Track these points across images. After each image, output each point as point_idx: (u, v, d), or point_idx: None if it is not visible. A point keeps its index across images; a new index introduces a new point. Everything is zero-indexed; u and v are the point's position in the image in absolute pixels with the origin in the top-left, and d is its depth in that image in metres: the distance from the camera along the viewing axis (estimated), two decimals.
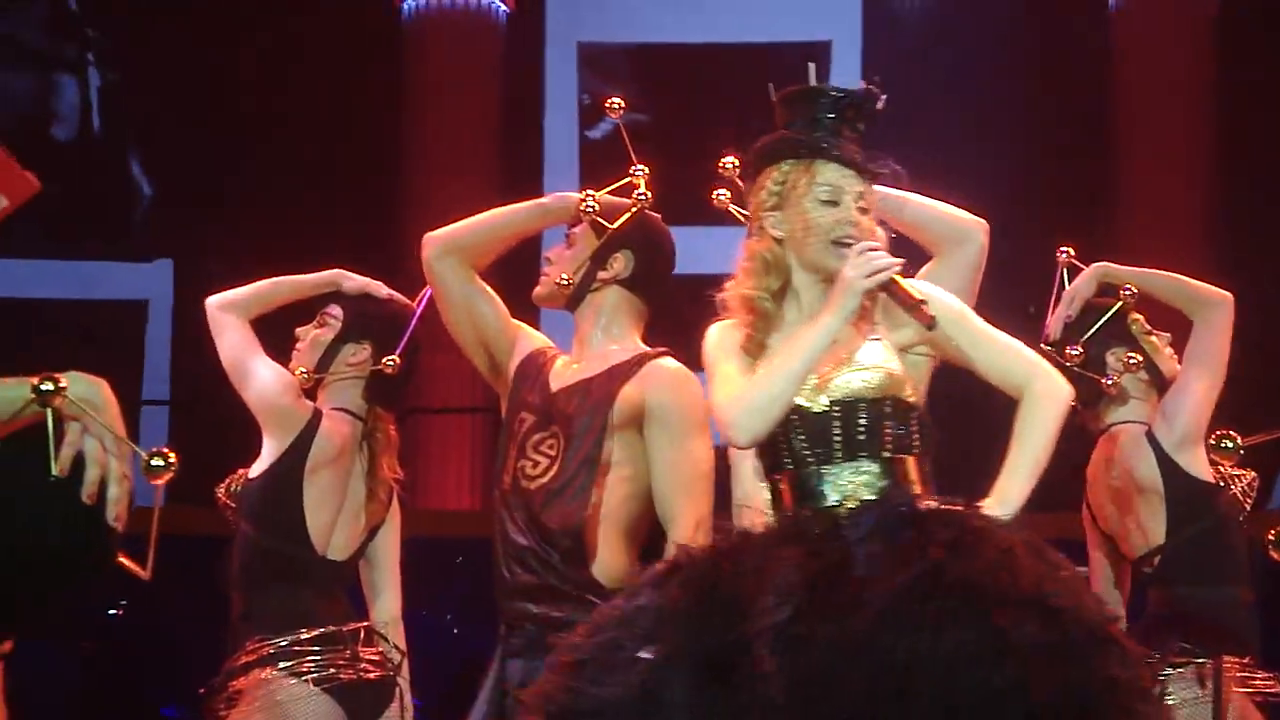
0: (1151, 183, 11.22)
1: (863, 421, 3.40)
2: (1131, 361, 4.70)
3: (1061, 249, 4.72)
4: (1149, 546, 4.60)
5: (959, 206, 4.24)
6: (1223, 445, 2.82)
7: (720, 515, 4.16)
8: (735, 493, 4.05)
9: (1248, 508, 4.68)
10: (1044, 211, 10.08)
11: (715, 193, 4.31)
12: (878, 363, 3.45)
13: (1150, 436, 4.61)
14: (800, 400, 3.40)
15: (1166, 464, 4.56)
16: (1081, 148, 11.64)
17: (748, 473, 3.79)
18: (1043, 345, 4.64)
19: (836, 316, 3.40)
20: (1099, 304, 4.74)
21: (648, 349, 4.35)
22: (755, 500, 4.01)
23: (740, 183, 4.25)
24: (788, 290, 3.55)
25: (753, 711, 2.91)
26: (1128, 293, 4.73)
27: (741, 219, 4.35)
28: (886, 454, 3.37)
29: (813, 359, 3.39)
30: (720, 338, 3.55)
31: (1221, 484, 4.61)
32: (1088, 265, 4.76)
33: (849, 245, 3.46)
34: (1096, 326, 4.69)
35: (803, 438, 3.40)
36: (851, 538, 3.13)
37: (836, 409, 3.40)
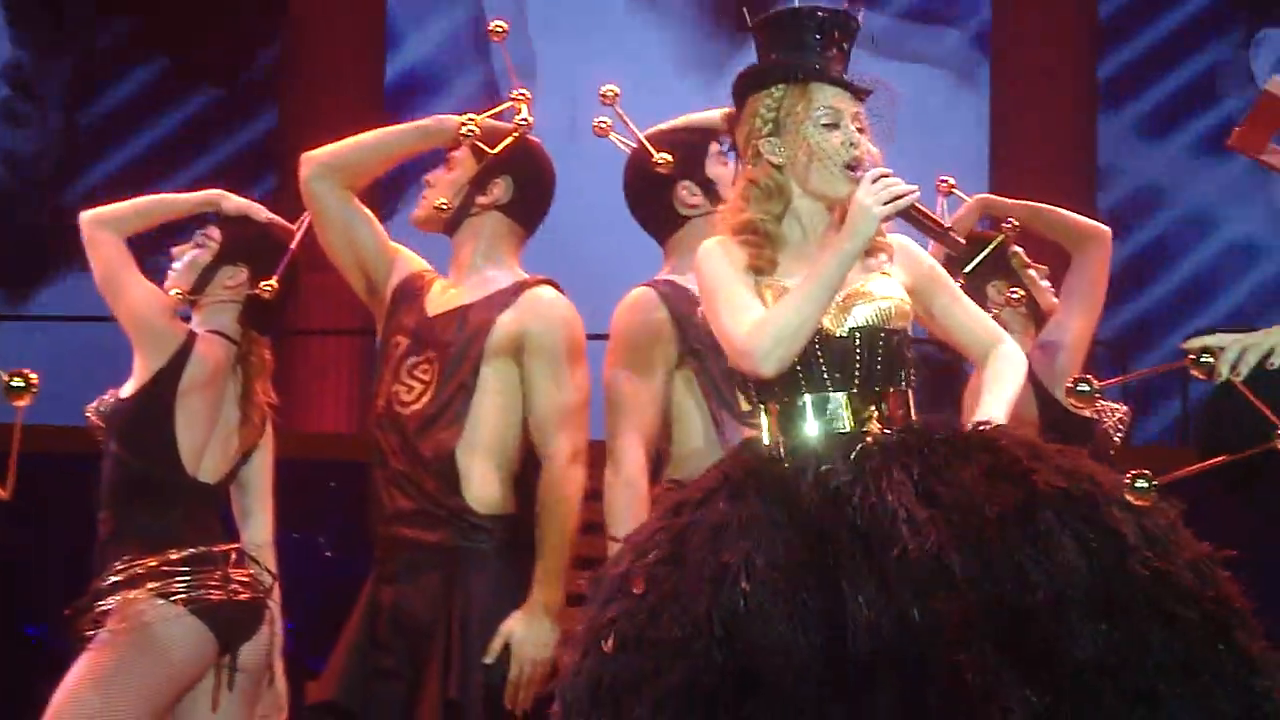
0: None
1: (882, 350, 3.40)
2: (1013, 296, 4.73)
3: (942, 179, 4.72)
4: None
5: None
6: (1079, 389, 2.82)
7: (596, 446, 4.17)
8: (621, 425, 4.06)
9: (1117, 442, 4.74)
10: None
11: (596, 120, 4.28)
12: (891, 294, 3.46)
13: (1029, 370, 4.64)
14: (825, 323, 3.38)
15: (1043, 396, 4.59)
16: None
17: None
18: None
19: (855, 242, 3.36)
20: (981, 236, 4.75)
21: (527, 276, 4.32)
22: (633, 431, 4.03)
23: (619, 111, 4.25)
24: (787, 212, 3.51)
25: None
26: (1008, 225, 4.74)
27: (624, 147, 4.34)
28: (899, 385, 3.38)
29: (835, 285, 3.36)
30: (721, 256, 3.47)
31: (1095, 418, 4.65)
32: (970, 196, 4.77)
33: (856, 168, 3.44)
34: (978, 259, 4.70)
35: (823, 363, 3.38)
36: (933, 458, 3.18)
37: (859, 336, 3.40)
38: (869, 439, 3.28)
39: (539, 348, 4.19)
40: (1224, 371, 2.70)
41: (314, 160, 4.38)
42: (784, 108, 3.50)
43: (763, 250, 3.46)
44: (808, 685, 2.99)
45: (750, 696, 3.00)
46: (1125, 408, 4.76)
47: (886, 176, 3.39)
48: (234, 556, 4.48)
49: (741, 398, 3.56)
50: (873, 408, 3.35)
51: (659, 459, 4.19)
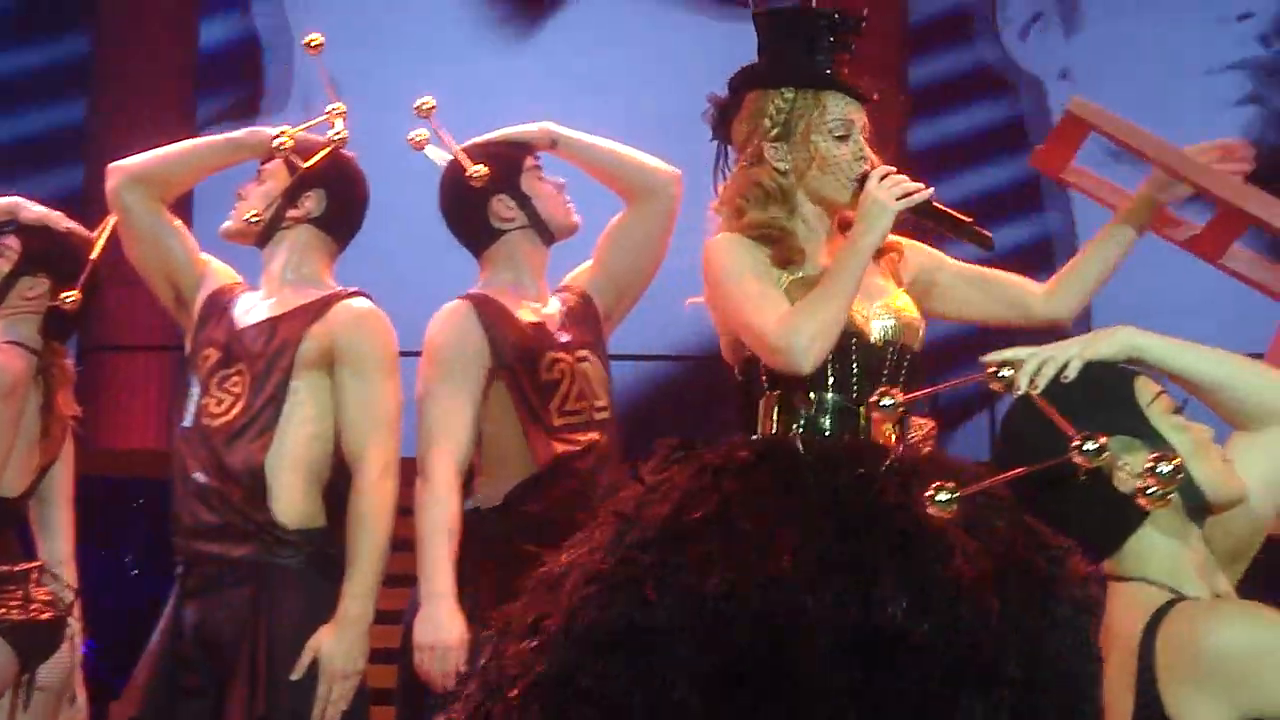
0: None
1: (907, 365, 3.41)
2: None
3: None
4: None
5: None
6: (882, 404, 2.85)
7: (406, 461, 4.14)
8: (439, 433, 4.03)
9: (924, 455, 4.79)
10: None
11: (412, 132, 4.26)
12: (915, 313, 3.47)
13: None
14: (862, 326, 3.37)
15: None
16: None
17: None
18: None
19: (871, 236, 3.35)
20: None
21: (339, 288, 4.29)
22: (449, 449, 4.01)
23: (435, 124, 4.23)
24: (792, 214, 3.49)
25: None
26: None
27: (439, 162, 4.32)
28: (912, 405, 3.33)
29: (858, 279, 3.33)
30: (737, 254, 3.42)
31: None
32: None
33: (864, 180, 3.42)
34: None
35: (856, 366, 3.36)
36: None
37: (892, 350, 3.40)
38: (896, 455, 3.22)
39: (350, 360, 4.16)
40: (1022, 384, 2.75)
41: (122, 171, 4.32)
42: (795, 113, 3.47)
43: (789, 242, 3.43)
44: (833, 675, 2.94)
45: (775, 679, 2.95)
46: (932, 422, 4.82)
47: (895, 173, 3.39)
48: (35, 575, 4.39)
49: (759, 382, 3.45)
50: (890, 421, 3.31)
51: (471, 473, 4.18)
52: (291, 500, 4.13)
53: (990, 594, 2.99)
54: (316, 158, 4.25)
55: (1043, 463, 2.66)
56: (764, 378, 3.41)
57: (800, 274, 3.42)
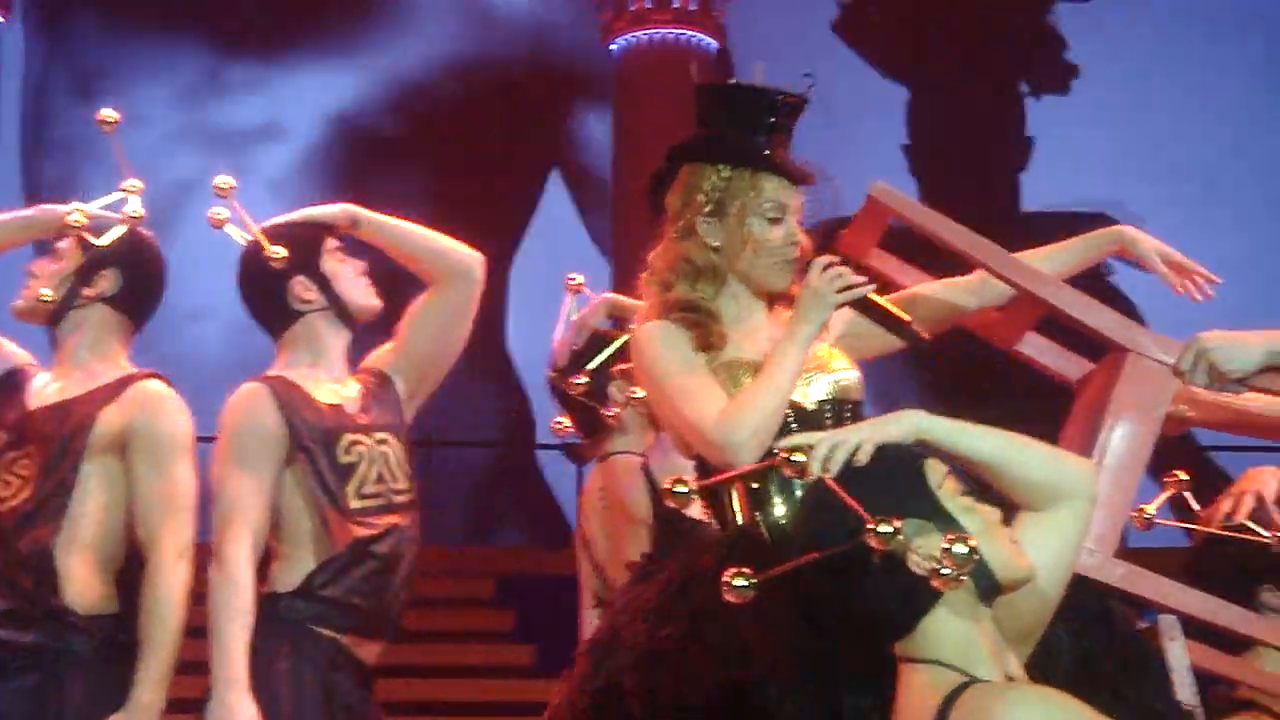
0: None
1: (848, 417, 3.36)
2: (634, 395, 4.76)
3: (570, 276, 4.75)
4: None
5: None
6: (675, 490, 2.83)
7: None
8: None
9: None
10: None
11: (212, 209, 4.20)
12: (847, 367, 3.44)
13: (646, 469, 4.68)
14: (795, 397, 3.32)
15: (659, 497, 4.62)
16: None
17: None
18: (548, 372, 4.66)
19: (810, 327, 3.33)
20: (605, 335, 4.79)
21: (133, 370, 4.21)
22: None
23: (235, 204, 4.17)
24: (722, 291, 3.46)
25: None
26: (633, 326, 4.77)
27: (240, 240, 4.26)
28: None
29: (798, 370, 3.31)
30: (668, 341, 3.40)
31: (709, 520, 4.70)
32: (597, 295, 4.81)
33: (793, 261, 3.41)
34: (602, 357, 4.73)
35: None
36: None
37: (828, 408, 3.36)
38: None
39: (144, 443, 4.08)
40: (815, 469, 2.75)
41: None
42: (730, 191, 3.44)
43: (711, 326, 3.40)
44: None
45: None
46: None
47: (836, 265, 3.37)
48: None
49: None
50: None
51: (267, 557, 4.11)
52: (82, 586, 4.04)
53: None
54: (112, 236, 4.18)
55: (838, 546, 2.67)
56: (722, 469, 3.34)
57: (721, 358, 3.41)
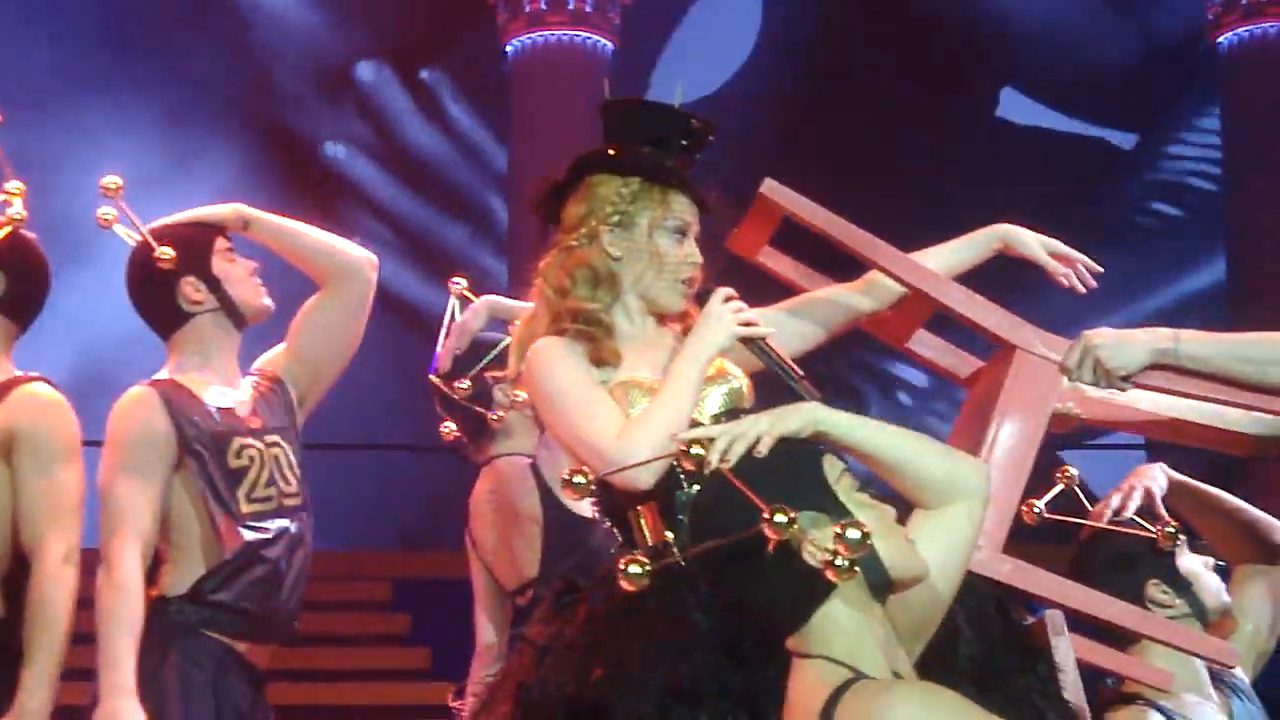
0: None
1: None
2: (518, 398, 4.75)
3: (454, 280, 4.74)
4: (523, 579, 4.65)
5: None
6: (574, 481, 2.85)
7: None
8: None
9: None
10: None
11: (100, 210, 4.15)
12: (738, 375, 3.43)
13: (534, 469, 4.67)
14: (693, 418, 3.29)
15: (548, 497, 4.62)
16: None
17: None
18: (432, 377, 4.64)
19: (708, 350, 3.32)
20: (487, 339, 4.78)
21: (18, 374, 4.16)
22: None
23: (123, 204, 4.13)
24: (616, 303, 3.44)
25: None
26: (515, 328, 4.76)
27: (129, 239, 4.22)
28: None
29: (695, 392, 3.29)
30: (564, 357, 3.36)
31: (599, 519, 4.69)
32: (479, 297, 4.79)
33: (689, 283, 3.42)
34: (484, 362, 4.72)
35: None
36: None
37: (724, 417, 3.31)
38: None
39: (29, 446, 4.02)
40: (714, 461, 2.77)
41: None
42: (637, 204, 3.43)
43: (604, 342, 3.39)
44: None
45: None
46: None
47: (736, 298, 3.37)
48: None
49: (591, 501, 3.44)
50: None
51: (156, 561, 4.07)
52: None
53: None
54: None
55: (733, 535, 2.69)
56: (624, 491, 3.32)
57: (617, 377, 3.39)
